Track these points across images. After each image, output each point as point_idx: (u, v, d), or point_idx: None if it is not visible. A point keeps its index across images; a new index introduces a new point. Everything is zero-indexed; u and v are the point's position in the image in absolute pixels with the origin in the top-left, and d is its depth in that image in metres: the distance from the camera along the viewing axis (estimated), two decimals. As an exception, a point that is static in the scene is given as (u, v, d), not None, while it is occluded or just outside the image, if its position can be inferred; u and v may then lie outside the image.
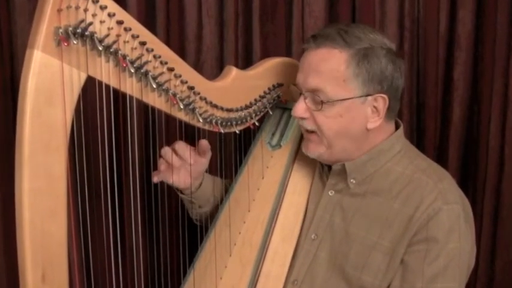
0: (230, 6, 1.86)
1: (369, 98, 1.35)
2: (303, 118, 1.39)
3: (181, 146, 1.49)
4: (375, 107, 1.36)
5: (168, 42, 1.76)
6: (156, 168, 1.52)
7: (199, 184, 1.58)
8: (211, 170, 1.62)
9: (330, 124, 1.36)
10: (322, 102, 1.34)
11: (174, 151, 1.49)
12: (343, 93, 1.33)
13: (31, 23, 1.02)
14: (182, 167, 1.51)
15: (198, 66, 1.85)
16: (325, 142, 1.38)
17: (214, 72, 1.87)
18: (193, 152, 1.51)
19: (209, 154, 1.54)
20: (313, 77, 1.34)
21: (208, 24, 1.87)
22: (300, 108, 1.38)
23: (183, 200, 1.62)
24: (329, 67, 1.33)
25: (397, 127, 1.45)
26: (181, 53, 1.83)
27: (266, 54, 1.87)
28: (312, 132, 1.40)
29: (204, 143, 1.49)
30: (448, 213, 1.29)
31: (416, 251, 1.30)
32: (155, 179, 1.51)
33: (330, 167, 1.45)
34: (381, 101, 1.36)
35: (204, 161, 1.54)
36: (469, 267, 1.37)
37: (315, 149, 1.41)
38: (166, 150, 1.49)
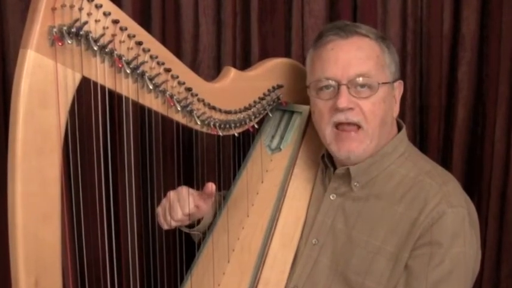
0: (228, 5, 1.86)
1: (396, 83, 1.42)
2: (349, 109, 1.36)
3: (184, 196, 1.44)
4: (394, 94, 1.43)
5: (163, 42, 1.76)
6: (152, 169, 1.52)
7: (200, 219, 1.55)
8: (210, 174, 1.62)
9: (376, 111, 1.37)
10: (377, 84, 1.36)
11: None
12: (383, 77, 1.38)
13: (23, 22, 1.02)
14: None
15: (194, 67, 1.85)
16: (370, 133, 1.37)
17: (211, 72, 1.88)
18: (196, 198, 1.46)
19: (212, 199, 1.49)
20: (357, 64, 1.36)
21: (205, 24, 1.88)
22: (345, 99, 1.35)
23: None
24: (370, 53, 1.38)
25: (399, 129, 1.46)
26: (177, 53, 1.83)
27: (265, 55, 1.88)
28: (352, 125, 1.37)
29: (210, 187, 1.42)
30: (452, 217, 1.30)
31: (420, 255, 1.30)
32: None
33: (333, 170, 1.46)
34: (399, 87, 1.44)
35: (206, 208, 1.49)
36: (473, 272, 1.37)
37: (359, 147, 1.38)
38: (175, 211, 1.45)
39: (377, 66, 1.37)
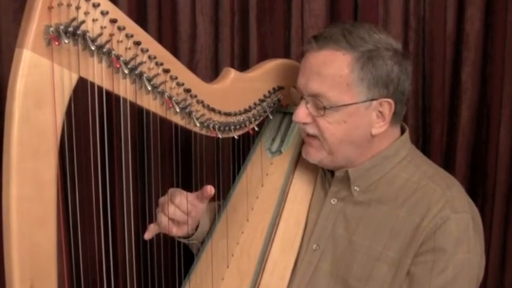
0: (226, 4, 1.86)
1: (374, 102, 1.35)
2: (304, 123, 1.40)
3: (181, 198, 1.39)
4: (380, 111, 1.37)
5: (160, 42, 1.75)
6: (149, 172, 1.52)
7: (197, 226, 1.53)
8: (208, 177, 1.62)
9: (332, 130, 1.37)
10: (324, 108, 1.35)
11: (174, 204, 1.40)
12: (347, 98, 1.34)
13: (16, 21, 1.02)
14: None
15: (191, 67, 1.84)
16: (327, 148, 1.39)
17: (209, 73, 1.88)
18: (192, 198, 1.42)
19: (208, 200, 1.45)
20: (315, 82, 1.35)
21: (203, 23, 1.88)
22: (302, 113, 1.39)
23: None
24: (332, 71, 1.34)
25: (402, 131, 1.47)
26: (174, 53, 1.82)
27: (263, 55, 1.89)
28: (313, 136, 1.41)
29: (209, 190, 1.39)
30: (456, 222, 1.31)
31: (423, 262, 1.31)
32: (148, 235, 1.42)
33: (332, 174, 1.46)
34: (387, 106, 1.36)
35: (203, 207, 1.45)
36: (478, 279, 1.38)
37: (315, 155, 1.43)
38: (168, 205, 1.39)
39: (339, 85, 1.34)
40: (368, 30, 1.37)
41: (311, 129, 1.40)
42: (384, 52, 1.35)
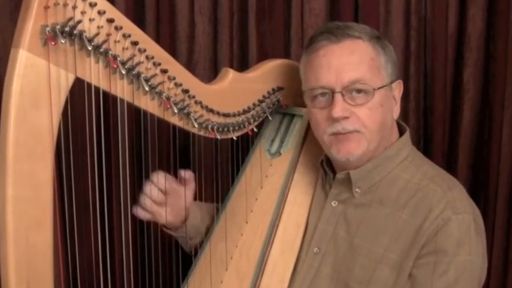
0: (224, 4, 1.87)
1: (393, 84, 1.43)
2: (345, 118, 1.37)
3: (159, 176, 1.47)
4: (392, 95, 1.43)
5: (158, 42, 1.75)
6: (147, 173, 1.52)
7: (185, 217, 1.57)
8: (206, 179, 1.63)
9: (374, 116, 1.37)
10: (372, 90, 1.36)
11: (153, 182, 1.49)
12: (379, 81, 1.38)
13: (13, 22, 1.02)
14: (167, 203, 1.49)
15: (190, 68, 1.84)
16: (368, 137, 1.38)
17: (208, 74, 1.88)
18: (173, 183, 1.49)
19: (192, 185, 1.53)
20: (351, 70, 1.36)
21: (201, 23, 1.88)
22: (341, 107, 1.35)
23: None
24: (362, 57, 1.38)
25: (402, 132, 1.47)
26: (173, 53, 1.82)
27: (263, 55, 1.88)
28: (351, 132, 1.38)
29: (182, 173, 1.48)
30: (457, 224, 1.30)
31: (425, 264, 1.31)
32: (142, 214, 1.50)
33: (333, 175, 1.46)
34: (398, 88, 1.45)
35: (188, 194, 1.51)
36: (479, 281, 1.37)
37: (357, 148, 1.39)
38: (147, 186, 1.49)
39: (372, 69, 1.37)
40: (355, 24, 1.46)
41: (351, 124, 1.37)
42: (382, 37, 1.43)
